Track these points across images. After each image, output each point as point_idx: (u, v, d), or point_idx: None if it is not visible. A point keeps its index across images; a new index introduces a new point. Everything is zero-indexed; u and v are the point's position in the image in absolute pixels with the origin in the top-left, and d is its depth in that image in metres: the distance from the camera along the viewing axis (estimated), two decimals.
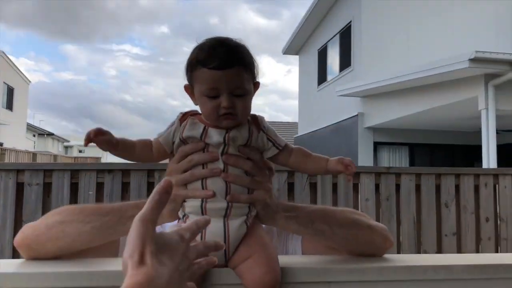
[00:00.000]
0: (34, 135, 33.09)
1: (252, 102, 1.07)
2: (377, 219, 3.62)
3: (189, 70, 1.04)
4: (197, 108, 1.06)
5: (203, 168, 1.01)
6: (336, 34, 13.58)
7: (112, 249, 1.15)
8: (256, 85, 1.09)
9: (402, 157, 12.18)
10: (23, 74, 26.32)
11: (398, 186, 3.72)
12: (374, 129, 11.65)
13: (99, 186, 3.26)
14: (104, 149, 1.01)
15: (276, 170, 3.56)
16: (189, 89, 1.07)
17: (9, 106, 23.80)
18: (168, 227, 1.08)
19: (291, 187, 3.53)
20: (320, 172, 1.10)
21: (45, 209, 3.13)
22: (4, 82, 22.95)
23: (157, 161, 1.12)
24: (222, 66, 0.98)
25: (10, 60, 24.22)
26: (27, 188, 3.21)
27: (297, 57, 17.91)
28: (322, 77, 14.73)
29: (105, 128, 0.99)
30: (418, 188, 3.75)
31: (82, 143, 1.00)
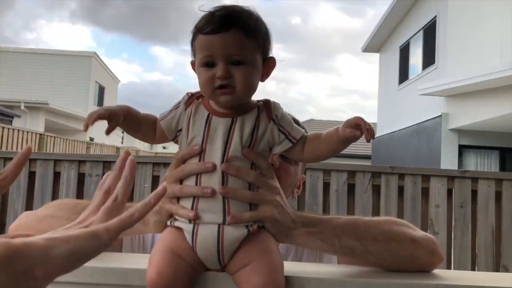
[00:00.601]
0: (122, 132, 35.11)
1: (256, 77, 0.90)
2: (449, 228, 3.27)
3: (192, 44, 0.92)
4: None
5: (197, 178, 0.87)
6: (419, 30, 12.87)
7: (115, 249, 1.11)
8: (270, 61, 0.93)
9: (492, 162, 11.22)
10: (113, 74, 28.14)
11: (474, 192, 3.34)
12: (459, 131, 10.84)
13: (155, 179, 3.27)
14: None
15: (335, 170, 3.31)
16: (194, 65, 0.93)
17: (100, 103, 25.50)
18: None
19: (351, 189, 3.31)
20: (335, 146, 0.88)
21: None
22: (95, 81, 24.67)
23: (158, 143, 1.01)
24: (217, 30, 0.85)
25: (102, 61, 25.97)
26: (88, 179, 3.30)
27: (377, 55, 17.26)
28: (403, 75, 14.04)
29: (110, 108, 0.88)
30: (498, 195, 3.34)
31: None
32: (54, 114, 17.47)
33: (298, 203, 3.36)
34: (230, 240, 0.84)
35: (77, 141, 12.59)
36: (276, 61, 0.95)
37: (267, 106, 0.91)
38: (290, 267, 0.90)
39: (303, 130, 0.92)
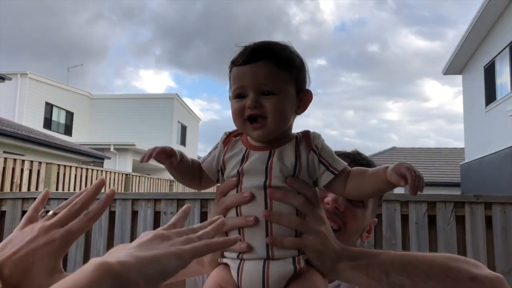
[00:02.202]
0: None
1: (289, 108, 0.88)
2: None
3: (229, 79, 0.92)
4: None
5: (236, 210, 0.86)
6: (505, 47, 12.08)
7: None
8: (306, 94, 0.91)
9: None
10: (194, 113, 29.49)
11: None
12: None
13: (203, 216, 3.31)
14: (163, 161, 0.91)
15: (413, 201, 3.11)
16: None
17: (183, 142, 26.71)
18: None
19: (432, 221, 3.08)
20: (380, 186, 0.84)
21: None
22: (178, 121, 25.94)
23: (203, 188, 1.00)
24: (248, 60, 0.86)
25: (183, 102, 27.33)
26: (163, 217, 3.39)
27: (460, 76, 16.41)
28: (490, 96, 13.16)
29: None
30: None
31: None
32: (140, 154, 18.45)
33: (375, 238, 3.18)
34: (276, 278, 0.81)
35: (161, 179, 13.19)
36: (313, 94, 0.93)
37: (307, 136, 0.88)
38: None
39: (345, 164, 0.88)
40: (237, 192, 0.86)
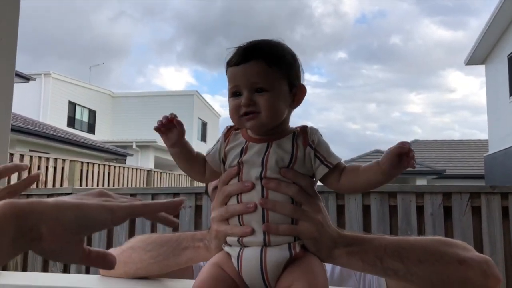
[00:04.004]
0: None
1: (282, 103, 0.92)
2: None
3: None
4: None
5: (237, 198, 0.91)
6: None
7: (186, 276, 1.16)
8: (299, 89, 0.96)
9: None
10: (214, 109, 29.76)
11: None
12: None
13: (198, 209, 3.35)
14: (170, 141, 0.95)
15: (428, 192, 3.13)
16: None
17: (203, 138, 26.97)
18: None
19: (447, 212, 3.08)
20: (375, 178, 0.87)
21: (197, 229, 3.34)
22: (198, 118, 26.19)
23: (209, 181, 1.05)
24: (239, 61, 0.91)
25: (203, 98, 27.60)
26: (182, 211, 3.47)
27: (483, 67, 16.08)
28: None
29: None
30: None
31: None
32: (162, 151, 18.77)
33: (390, 228, 3.20)
34: (273, 263, 0.86)
35: (182, 175, 13.38)
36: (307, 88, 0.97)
37: (304, 131, 0.92)
38: None
39: (340, 159, 0.92)
40: (238, 181, 0.91)
